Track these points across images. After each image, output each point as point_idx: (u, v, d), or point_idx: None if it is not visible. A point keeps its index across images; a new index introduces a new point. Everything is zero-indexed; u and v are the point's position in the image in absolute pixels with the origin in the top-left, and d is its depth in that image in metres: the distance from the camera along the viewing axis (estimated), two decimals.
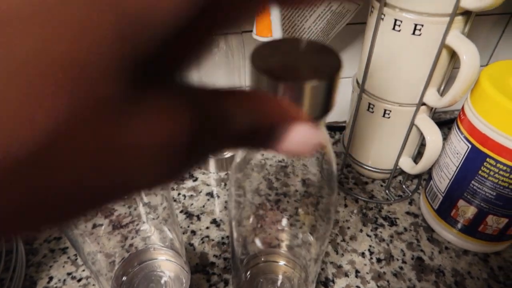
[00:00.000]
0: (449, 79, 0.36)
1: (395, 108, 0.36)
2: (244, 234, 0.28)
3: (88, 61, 0.06)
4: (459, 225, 0.36)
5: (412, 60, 0.33)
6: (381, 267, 0.36)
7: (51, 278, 0.34)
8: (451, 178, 0.35)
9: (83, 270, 0.35)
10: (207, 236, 0.38)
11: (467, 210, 0.35)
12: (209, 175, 0.44)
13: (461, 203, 0.35)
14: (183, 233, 0.38)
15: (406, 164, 0.41)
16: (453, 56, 0.33)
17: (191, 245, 0.37)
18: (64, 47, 0.06)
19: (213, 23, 0.08)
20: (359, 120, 0.40)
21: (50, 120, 0.06)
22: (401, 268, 0.36)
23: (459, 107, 0.54)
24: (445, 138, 0.36)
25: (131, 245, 0.29)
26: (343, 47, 0.46)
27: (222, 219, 0.40)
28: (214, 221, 0.39)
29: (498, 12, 0.47)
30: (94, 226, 0.26)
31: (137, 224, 0.28)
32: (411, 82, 0.34)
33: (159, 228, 0.30)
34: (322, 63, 0.14)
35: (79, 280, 0.34)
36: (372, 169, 0.42)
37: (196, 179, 0.44)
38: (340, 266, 0.36)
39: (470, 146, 0.32)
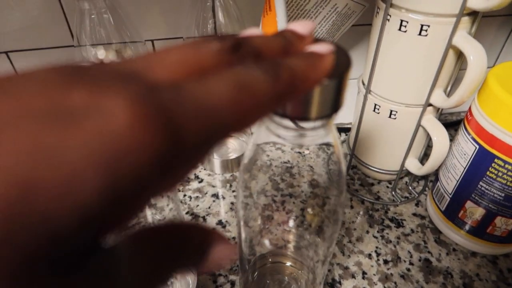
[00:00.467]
0: (455, 80, 0.35)
1: (401, 109, 0.36)
2: (251, 235, 0.28)
3: None
4: (467, 227, 0.36)
5: (418, 61, 0.33)
6: (388, 269, 0.36)
7: None
8: (459, 179, 0.35)
9: None
10: None
11: (475, 212, 0.35)
12: (214, 176, 0.44)
13: (469, 204, 0.35)
14: None
15: (413, 165, 0.40)
16: (460, 56, 0.33)
17: None
18: None
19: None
20: (365, 121, 0.39)
21: None
22: (408, 269, 0.36)
23: (465, 108, 0.54)
24: (451, 139, 0.36)
25: None
26: (349, 48, 0.46)
27: (228, 220, 0.39)
28: (220, 222, 0.39)
29: (505, 13, 0.46)
30: None
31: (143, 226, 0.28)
32: (418, 83, 0.34)
33: None
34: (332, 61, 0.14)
35: None
36: (378, 170, 0.42)
37: (201, 181, 0.44)
38: (347, 268, 0.36)
39: (477, 146, 0.32)
